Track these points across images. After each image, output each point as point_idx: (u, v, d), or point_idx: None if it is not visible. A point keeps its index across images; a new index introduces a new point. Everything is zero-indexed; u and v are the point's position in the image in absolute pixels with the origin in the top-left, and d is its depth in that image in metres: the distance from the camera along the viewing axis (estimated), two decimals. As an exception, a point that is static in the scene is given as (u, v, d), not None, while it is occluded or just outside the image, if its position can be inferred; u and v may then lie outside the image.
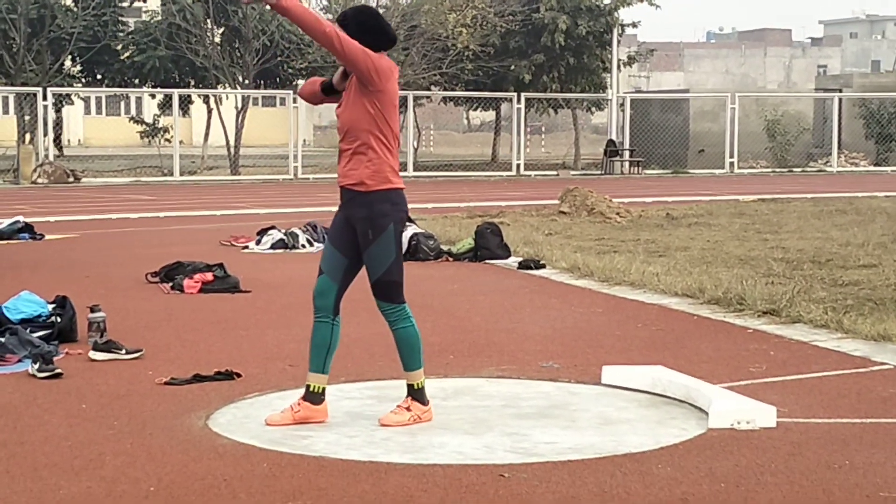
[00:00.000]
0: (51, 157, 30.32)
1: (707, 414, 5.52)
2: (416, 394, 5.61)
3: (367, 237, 5.48)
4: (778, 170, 34.65)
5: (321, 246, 13.62)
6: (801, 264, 11.13)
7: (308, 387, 5.58)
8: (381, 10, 33.36)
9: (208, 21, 33.94)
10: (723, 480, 4.60)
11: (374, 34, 5.45)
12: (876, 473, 4.68)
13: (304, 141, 42.41)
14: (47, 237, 14.92)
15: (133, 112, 49.30)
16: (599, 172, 34.19)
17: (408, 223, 13.06)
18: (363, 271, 5.57)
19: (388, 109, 5.47)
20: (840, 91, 38.00)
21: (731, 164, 34.37)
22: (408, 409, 5.56)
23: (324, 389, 5.59)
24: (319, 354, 5.57)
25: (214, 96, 34.41)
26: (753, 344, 7.50)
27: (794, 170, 34.68)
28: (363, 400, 6.04)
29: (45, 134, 30.45)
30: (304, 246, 13.50)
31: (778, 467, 4.78)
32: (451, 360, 7.03)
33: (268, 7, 5.20)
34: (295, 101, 32.71)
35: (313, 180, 30.90)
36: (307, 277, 11.10)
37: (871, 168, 35.86)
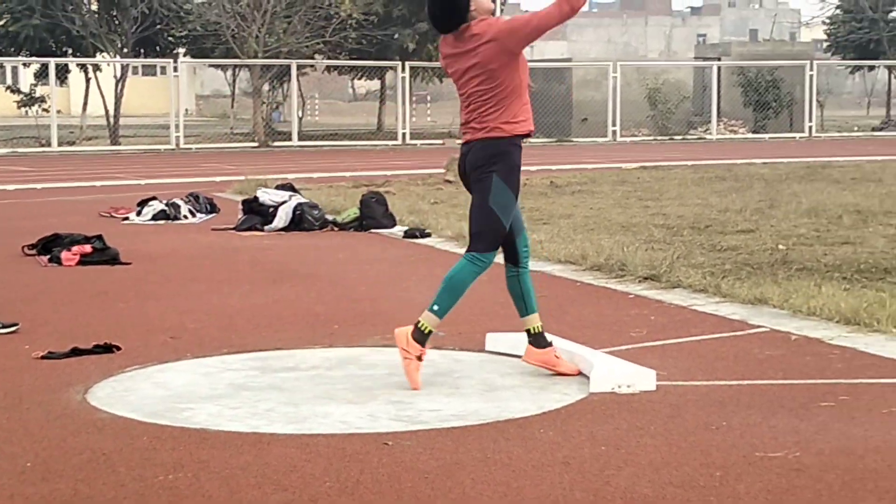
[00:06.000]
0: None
1: (589, 379, 5.59)
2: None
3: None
4: (659, 138, 35.15)
5: (203, 217, 13.44)
6: (681, 230, 11.31)
7: (529, 331, 5.85)
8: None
9: (84, -12, 33.18)
10: (603, 443, 4.66)
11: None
12: (752, 434, 4.78)
13: (186, 110, 41.72)
14: (-81, 210, 14.51)
15: (9, 81, 48.07)
16: (484, 141, 34.27)
17: (292, 193, 13.01)
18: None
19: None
20: (719, 59, 38.63)
21: (614, 132, 34.77)
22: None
23: (541, 328, 5.86)
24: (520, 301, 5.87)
25: (92, 65, 33.69)
26: (634, 309, 7.61)
27: (675, 137, 35.21)
28: (246, 371, 5.98)
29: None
30: (185, 217, 13.32)
31: (657, 429, 4.85)
32: (335, 330, 7.01)
33: None
34: (176, 69, 32.17)
35: (195, 150, 30.45)
36: (189, 248, 10.98)
37: (749, 135, 36.55)
